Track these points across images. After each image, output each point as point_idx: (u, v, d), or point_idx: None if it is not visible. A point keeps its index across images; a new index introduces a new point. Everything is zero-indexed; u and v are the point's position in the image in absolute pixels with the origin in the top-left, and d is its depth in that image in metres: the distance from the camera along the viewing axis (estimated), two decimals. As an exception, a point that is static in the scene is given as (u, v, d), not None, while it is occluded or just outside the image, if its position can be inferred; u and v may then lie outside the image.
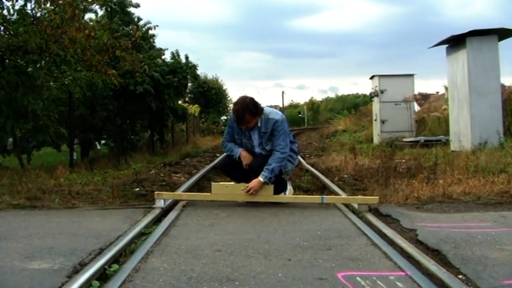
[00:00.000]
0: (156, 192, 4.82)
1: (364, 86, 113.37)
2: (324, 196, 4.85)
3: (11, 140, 9.40)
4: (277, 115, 4.81)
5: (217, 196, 4.76)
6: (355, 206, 4.53)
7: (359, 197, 4.80)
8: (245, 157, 4.82)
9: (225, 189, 4.77)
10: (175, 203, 4.87)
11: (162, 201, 4.60)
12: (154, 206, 4.57)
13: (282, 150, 4.73)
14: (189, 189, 5.94)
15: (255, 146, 4.86)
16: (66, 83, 9.33)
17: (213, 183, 4.97)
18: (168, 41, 73.44)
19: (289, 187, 5.15)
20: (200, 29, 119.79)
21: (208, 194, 4.95)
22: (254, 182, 4.65)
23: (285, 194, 4.97)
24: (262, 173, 4.64)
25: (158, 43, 16.31)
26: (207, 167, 8.69)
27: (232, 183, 4.93)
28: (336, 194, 5.37)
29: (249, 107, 4.66)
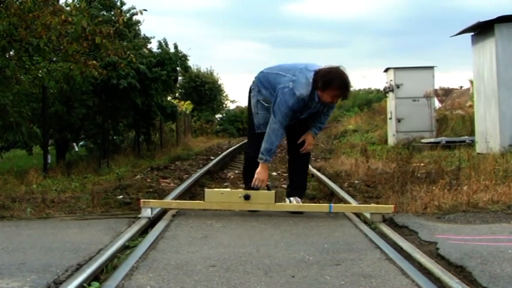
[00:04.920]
0: (142, 200, 4.80)
1: (374, 80, 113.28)
2: (332, 204, 4.84)
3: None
4: None
5: (211, 204, 4.73)
6: (367, 215, 4.53)
7: (372, 205, 4.80)
8: (264, 179, 4.77)
9: (220, 196, 4.72)
10: (163, 212, 4.86)
11: (149, 210, 4.58)
12: (140, 215, 4.56)
13: (332, 112, 5.16)
14: (180, 197, 5.93)
15: (305, 113, 4.87)
16: (40, 75, 9.33)
17: (206, 190, 4.94)
18: (151, 28, 73.16)
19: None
20: (185, 15, 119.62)
21: (201, 201, 4.93)
22: (309, 139, 4.92)
23: (290, 201, 4.96)
24: (314, 129, 4.97)
25: (142, 31, 16.28)
26: (200, 172, 8.69)
27: (228, 189, 4.96)
28: (346, 202, 5.36)
29: (350, 86, 4.74)
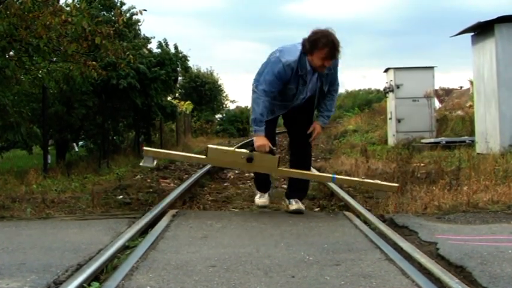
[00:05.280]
0: (144, 148, 4.95)
1: (374, 80, 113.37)
2: (335, 175, 4.83)
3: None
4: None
5: (212, 161, 4.80)
6: (365, 217, 4.48)
7: (376, 181, 4.76)
8: (264, 144, 4.57)
9: (222, 154, 4.70)
10: (163, 212, 4.87)
11: (151, 159, 4.70)
12: (141, 164, 4.80)
13: (338, 88, 4.94)
14: (180, 197, 5.94)
15: (304, 92, 4.68)
16: (40, 76, 9.33)
17: (209, 146, 4.87)
18: (151, 28, 73.44)
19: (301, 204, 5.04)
20: (185, 15, 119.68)
21: (204, 156, 4.89)
22: (318, 129, 4.80)
23: (289, 202, 4.92)
24: (322, 119, 4.85)
25: (142, 31, 16.31)
26: (200, 172, 8.68)
27: (232, 148, 4.92)
28: (346, 202, 5.36)
29: (339, 45, 4.50)
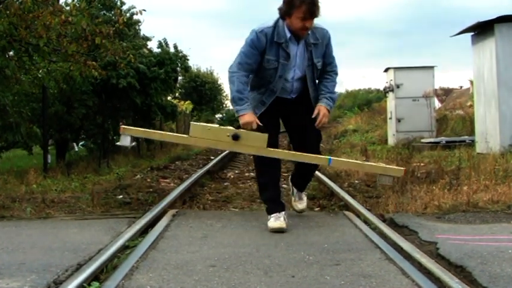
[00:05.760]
0: (122, 126, 4.52)
1: (373, 80, 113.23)
2: (332, 157, 4.35)
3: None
4: (324, 27, 4.23)
5: (195, 140, 4.26)
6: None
7: (380, 164, 4.30)
8: (250, 121, 4.04)
9: (206, 132, 4.18)
10: (163, 212, 4.87)
11: (128, 138, 4.34)
12: (118, 143, 4.47)
13: (336, 69, 4.33)
14: (180, 196, 5.94)
15: (291, 69, 4.15)
16: (40, 76, 9.33)
17: (192, 123, 4.37)
18: (151, 28, 73.57)
19: (304, 198, 4.83)
20: (185, 15, 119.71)
21: (185, 135, 4.51)
22: (323, 111, 4.13)
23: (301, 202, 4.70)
24: (325, 101, 4.18)
25: (142, 31, 16.31)
26: (200, 172, 8.69)
27: (217, 125, 4.43)
28: (346, 202, 5.36)
29: (317, 0, 3.95)
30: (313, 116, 4.14)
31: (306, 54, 4.12)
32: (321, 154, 4.32)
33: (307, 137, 4.27)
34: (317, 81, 4.29)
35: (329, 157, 4.10)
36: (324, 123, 4.16)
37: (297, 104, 4.27)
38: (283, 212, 4.15)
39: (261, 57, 4.07)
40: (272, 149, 4.10)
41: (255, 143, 4.06)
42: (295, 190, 4.69)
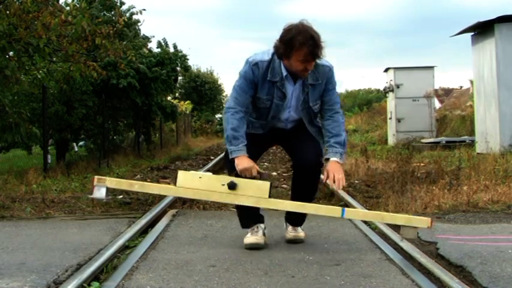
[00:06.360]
0: (95, 176, 3.67)
1: (372, 80, 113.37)
2: (345, 209, 3.63)
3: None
4: (327, 61, 3.70)
5: (184, 191, 3.58)
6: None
7: (401, 215, 3.61)
8: (248, 167, 3.49)
9: (197, 181, 3.52)
10: (163, 212, 4.87)
11: (104, 190, 3.55)
12: (91, 196, 3.68)
13: (341, 111, 3.77)
14: (180, 197, 5.93)
15: (286, 109, 3.70)
16: (40, 76, 9.33)
17: (180, 172, 3.65)
18: (151, 28, 73.91)
19: (301, 231, 3.92)
20: (185, 15, 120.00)
21: (172, 186, 3.92)
22: (335, 169, 3.57)
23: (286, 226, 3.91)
24: (332, 153, 3.63)
25: (142, 31, 16.32)
26: (200, 172, 8.68)
27: (209, 173, 3.70)
28: (346, 202, 5.36)
29: (320, 40, 3.48)
30: (324, 181, 3.62)
31: (302, 95, 3.67)
32: (321, 166, 3.79)
33: (304, 148, 3.76)
34: (318, 120, 3.83)
35: (343, 208, 3.53)
36: (341, 180, 3.58)
37: (294, 128, 3.82)
38: (260, 224, 3.70)
39: (254, 91, 3.65)
40: (275, 200, 3.60)
41: (255, 193, 3.46)
42: (289, 226, 3.91)
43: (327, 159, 3.63)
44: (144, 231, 4.17)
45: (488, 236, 3.79)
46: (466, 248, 3.40)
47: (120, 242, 3.64)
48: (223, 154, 8.80)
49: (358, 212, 3.69)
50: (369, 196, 5.97)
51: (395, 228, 4.15)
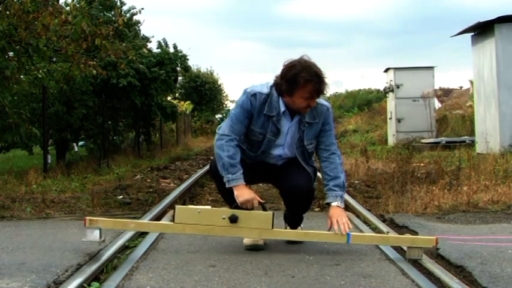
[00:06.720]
0: (87, 218, 3.46)
1: (372, 80, 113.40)
2: (351, 233, 3.44)
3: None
4: (325, 100, 3.66)
5: (183, 228, 3.44)
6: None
7: (406, 236, 3.53)
8: (249, 199, 3.39)
9: (196, 216, 3.41)
10: (163, 212, 4.87)
11: (97, 232, 3.37)
12: (84, 239, 3.41)
13: (338, 152, 3.68)
14: (180, 197, 5.94)
15: (279, 147, 3.61)
16: (40, 76, 9.33)
17: (177, 207, 3.56)
18: (150, 28, 74.10)
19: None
20: (185, 15, 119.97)
21: (170, 223, 3.74)
22: (338, 214, 3.43)
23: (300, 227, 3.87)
24: (333, 193, 3.53)
25: (142, 31, 16.33)
26: (200, 172, 8.69)
27: (208, 207, 3.61)
28: (346, 202, 5.33)
29: (324, 76, 3.41)
30: (329, 229, 3.48)
31: (298, 133, 3.57)
32: (313, 191, 3.81)
33: (295, 175, 3.62)
34: (313, 160, 3.77)
35: (348, 232, 3.40)
36: (345, 224, 3.38)
37: (286, 163, 3.70)
38: None
39: (249, 122, 3.55)
40: (278, 230, 3.49)
41: (259, 225, 3.39)
42: (289, 227, 3.88)
43: (328, 204, 3.55)
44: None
45: (488, 236, 3.79)
46: (466, 248, 3.39)
47: (120, 242, 3.64)
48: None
49: (364, 237, 3.60)
50: (369, 196, 5.98)
51: (395, 228, 4.16)
